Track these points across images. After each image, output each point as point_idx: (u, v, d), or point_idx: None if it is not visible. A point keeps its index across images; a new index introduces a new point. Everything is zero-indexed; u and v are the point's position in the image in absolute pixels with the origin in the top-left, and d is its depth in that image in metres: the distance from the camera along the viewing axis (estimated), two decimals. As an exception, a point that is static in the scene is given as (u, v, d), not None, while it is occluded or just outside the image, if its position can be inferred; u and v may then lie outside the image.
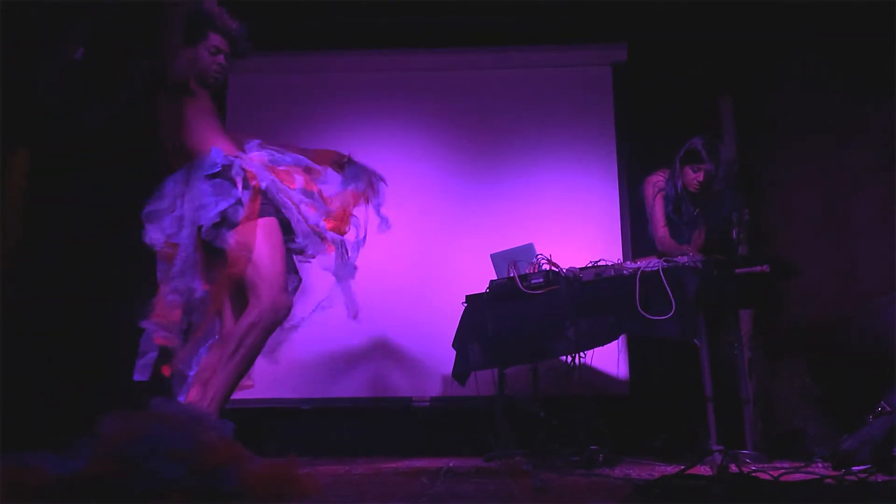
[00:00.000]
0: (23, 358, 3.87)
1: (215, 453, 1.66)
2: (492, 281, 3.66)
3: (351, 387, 4.48)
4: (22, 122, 4.16)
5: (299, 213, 2.75)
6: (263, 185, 2.68)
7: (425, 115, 4.91)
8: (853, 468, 2.26)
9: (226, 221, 2.63)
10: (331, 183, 3.07)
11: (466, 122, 4.88)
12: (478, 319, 3.64)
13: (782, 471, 2.24)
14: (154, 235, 2.69)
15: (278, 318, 2.63)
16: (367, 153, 4.80)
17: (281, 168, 2.84)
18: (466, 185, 4.81)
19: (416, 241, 4.71)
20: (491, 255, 3.76)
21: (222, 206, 2.62)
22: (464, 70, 4.96)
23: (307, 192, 2.84)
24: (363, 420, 4.47)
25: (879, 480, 2.04)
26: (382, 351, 4.54)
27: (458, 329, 3.74)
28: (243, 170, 2.69)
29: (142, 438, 1.59)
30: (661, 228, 3.80)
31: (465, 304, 3.77)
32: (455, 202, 4.78)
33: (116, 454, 1.56)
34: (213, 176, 2.67)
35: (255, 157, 2.79)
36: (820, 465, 2.79)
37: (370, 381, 4.49)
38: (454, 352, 3.72)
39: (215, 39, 2.82)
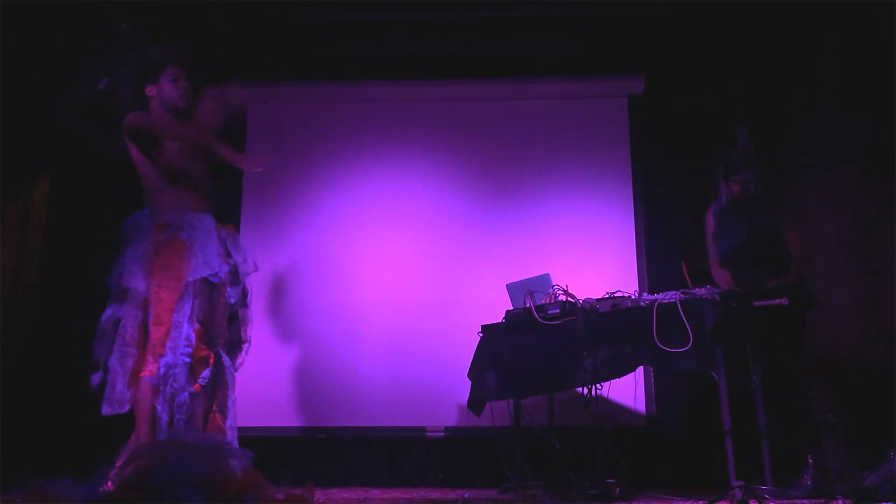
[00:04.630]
0: (41, 379, 3.90)
1: (235, 481, 1.67)
2: (508, 311, 3.65)
3: (366, 416, 4.46)
4: (45, 148, 4.23)
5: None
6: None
7: (443, 144, 4.94)
8: (875, 505, 2.23)
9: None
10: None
11: (483, 152, 4.92)
12: (494, 349, 3.63)
13: (804, 507, 2.21)
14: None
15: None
16: (384, 182, 4.91)
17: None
18: (483, 214, 4.82)
19: (431, 271, 4.72)
20: (507, 285, 3.76)
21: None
22: (482, 100, 5.00)
23: None
24: (378, 450, 4.44)
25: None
26: (397, 380, 4.52)
27: (473, 359, 3.73)
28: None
29: (164, 466, 1.60)
30: (713, 265, 3.75)
31: (481, 334, 3.76)
32: (471, 232, 4.79)
33: (139, 481, 1.57)
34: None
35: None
36: (841, 501, 2.75)
37: (385, 411, 4.47)
38: (469, 382, 3.71)
39: (172, 69, 3.15)
